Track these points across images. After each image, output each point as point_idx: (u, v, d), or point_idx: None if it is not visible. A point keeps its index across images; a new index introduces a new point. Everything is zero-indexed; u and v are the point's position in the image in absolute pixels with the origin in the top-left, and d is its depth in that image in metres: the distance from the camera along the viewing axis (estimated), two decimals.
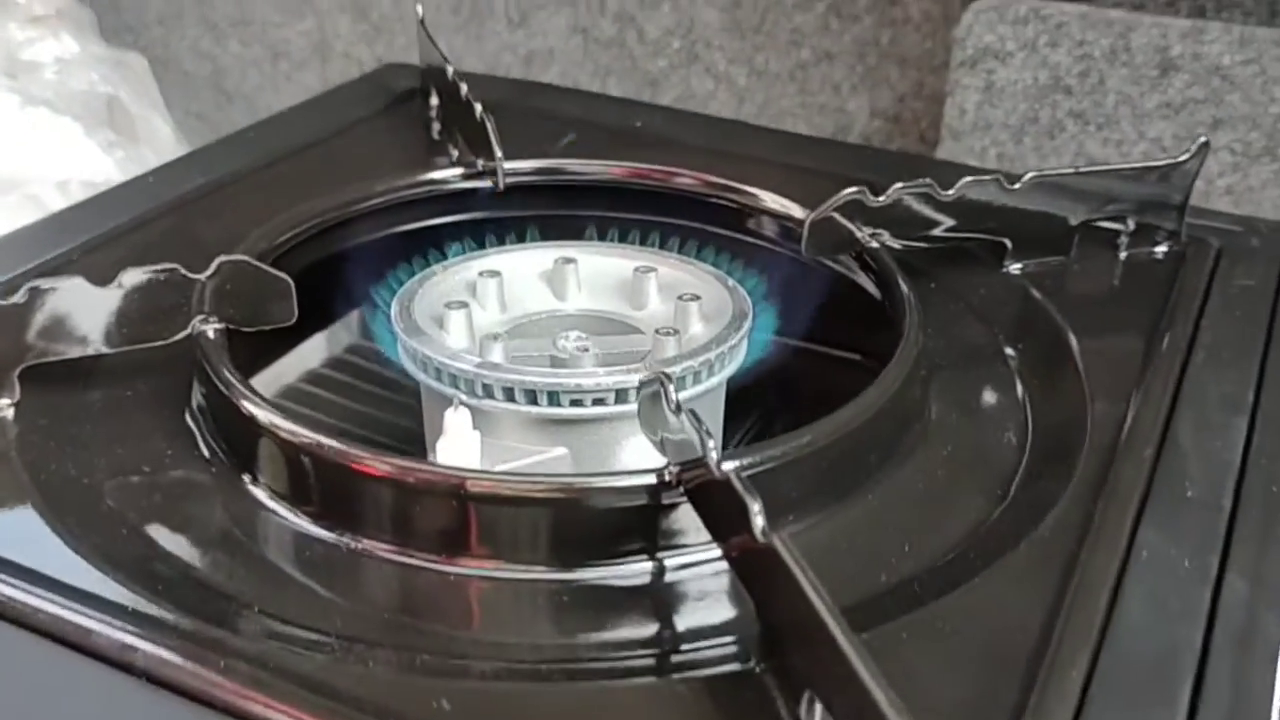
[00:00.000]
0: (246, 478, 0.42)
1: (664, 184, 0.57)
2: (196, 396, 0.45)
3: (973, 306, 0.51)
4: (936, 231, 0.52)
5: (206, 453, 0.43)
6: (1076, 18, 0.73)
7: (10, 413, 0.44)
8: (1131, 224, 0.54)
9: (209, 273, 0.44)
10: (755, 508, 0.33)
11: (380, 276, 0.53)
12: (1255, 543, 0.38)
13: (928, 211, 0.51)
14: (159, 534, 0.39)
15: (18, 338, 0.43)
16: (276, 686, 0.32)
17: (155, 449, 0.43)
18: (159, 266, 0.43)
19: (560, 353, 0.48)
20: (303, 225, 0.53)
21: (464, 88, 0.59)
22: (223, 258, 0.44)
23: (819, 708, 0.31)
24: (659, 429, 0.39)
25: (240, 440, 0.42)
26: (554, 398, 0.44)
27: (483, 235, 0.54)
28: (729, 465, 0.35)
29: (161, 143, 1.02)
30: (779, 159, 0.61)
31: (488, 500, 0.38)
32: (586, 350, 0.46)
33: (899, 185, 0.50)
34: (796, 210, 0.54)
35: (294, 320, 0.46)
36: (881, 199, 0.50)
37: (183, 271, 0.44)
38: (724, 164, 0.57)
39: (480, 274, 0.51)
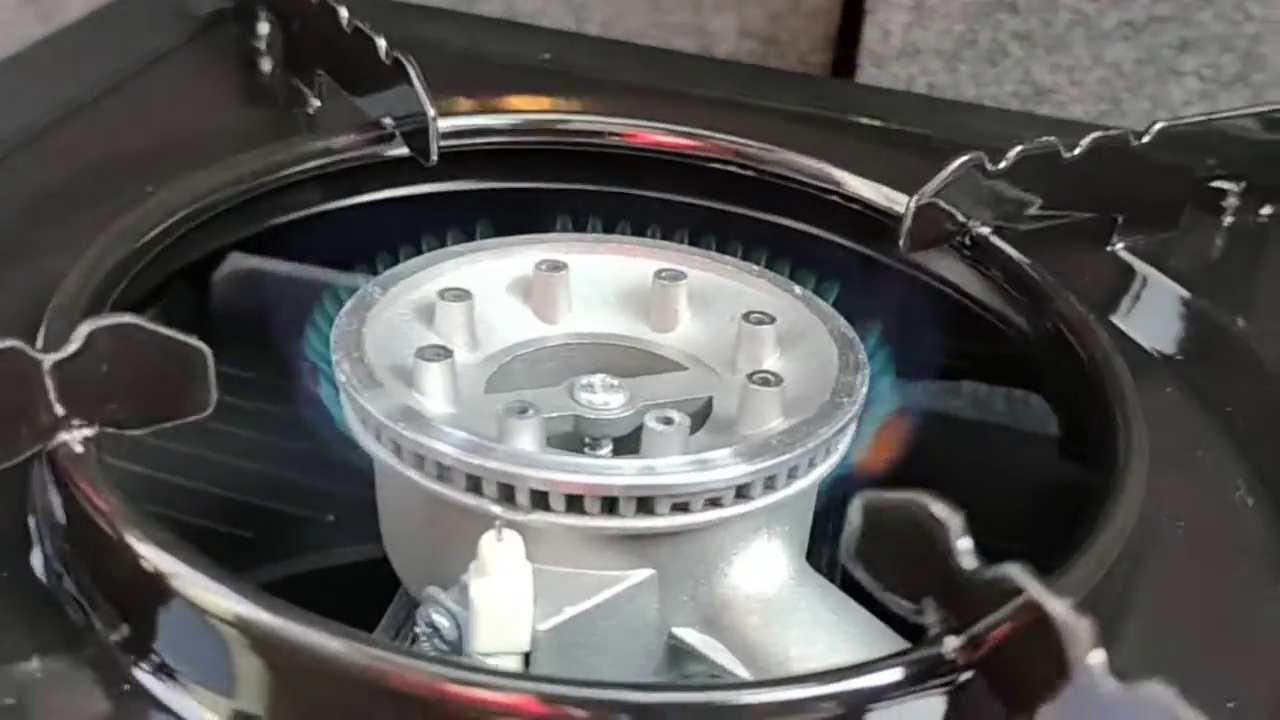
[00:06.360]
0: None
1: (646, 145, 0.42)
2: (51, 546, 0.27)
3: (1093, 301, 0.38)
4: (1040, 210, 0.39)
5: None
6: None
7: None
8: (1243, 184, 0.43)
9: (73, 349, 0.26)
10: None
11: (272, 306, 0.36)
12: None
13: (1039, 182, 0.38)
14: None
15: None
16: None
17: None
18: None
19: (592, 410, 0.32)
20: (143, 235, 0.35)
21: (344, 12, 0.41)
22: (93, 323, 0.26)
23: None
24: (912, 565, 0.24)
25: (141, 613, 0.25)
26: (646, 504, 0.29)
27: (410, 232, 0.38)
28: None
29: None
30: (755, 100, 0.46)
31: None
32: (671, 423, 0.31)
33: (1020, 148, 0.37)
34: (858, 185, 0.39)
35: (211, 410, 0.28)
36: (1002, 165, 0.36)
37: (27, 351, 0.25)
38: (721, 114, 0.42)
39: (441, 294, 0.35)
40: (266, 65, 0.48)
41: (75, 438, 0.26)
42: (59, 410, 0.26)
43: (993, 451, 0.46)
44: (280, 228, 0.39)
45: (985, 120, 0.55)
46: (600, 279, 0.37)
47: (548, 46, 0.52)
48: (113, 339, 0.26)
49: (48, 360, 0.26)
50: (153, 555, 0.25)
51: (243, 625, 0.24)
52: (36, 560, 0.27)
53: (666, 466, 0.29)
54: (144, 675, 0.25)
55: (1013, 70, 0.64)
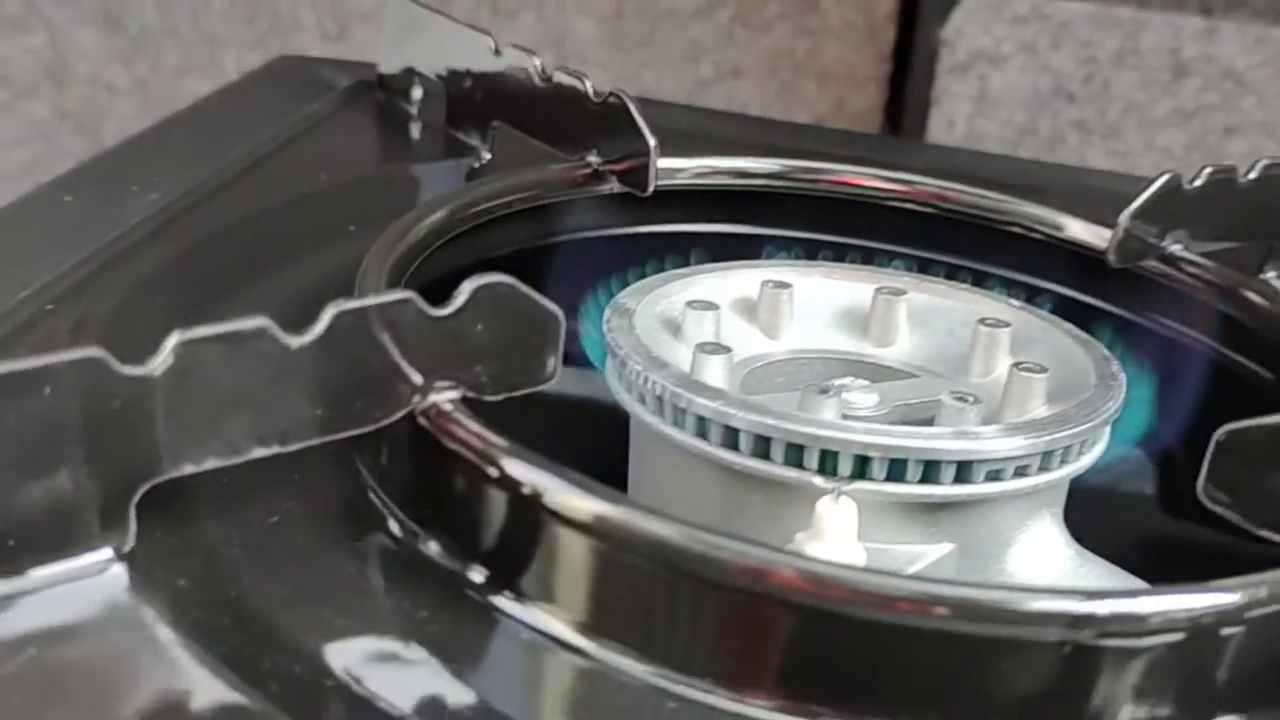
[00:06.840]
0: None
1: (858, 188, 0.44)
2: (407, 512, 0.27)
3: None
4: (1212, 234, 0.41)
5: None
6: (1083, 17, 0.66)
7: (123, 573, 0.24)
8: None
9: (459, 304, 0.26)
10: None
11: None
12: None
13: (1216, 206, 0.41)
14: None
15: (146, 435, 0.24)
16: None
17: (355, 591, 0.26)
18: (388, 296, 0.26)
19: (850, 408, 0.34)
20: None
21: (538, 62, 0.43)
22: (476, 280, 0.27)
23: None
24: None
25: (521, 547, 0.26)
26: (963, 472, 0.30)
27: (635, 257, 0.39)
28: None
29: None
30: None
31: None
32: (966, 400, 0.32)
33: (1210, 169, 0.39)
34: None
35: (554, 381, 0.29)
36: (1197, 183, 0.39)
37: (420, 305, 0.26)
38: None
39: (690, 304, 0.36)
40: (416, 129, 0.50)
41: (443, 399, 0.27)
42: (427, 371, 0.26)
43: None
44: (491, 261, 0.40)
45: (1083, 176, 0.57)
46: (821, 298, 0.39)
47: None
48: (492, 299, 0.27)
49: (435, 314, 0.26)
50: (547, 484, 0.25)
51: (650, 547, 0.24)
52: (394, 527, 0.27)
53: (984, 433, 0.30)
54: (516, 606, 0.25)
55: (1070, 156, 0.68)
